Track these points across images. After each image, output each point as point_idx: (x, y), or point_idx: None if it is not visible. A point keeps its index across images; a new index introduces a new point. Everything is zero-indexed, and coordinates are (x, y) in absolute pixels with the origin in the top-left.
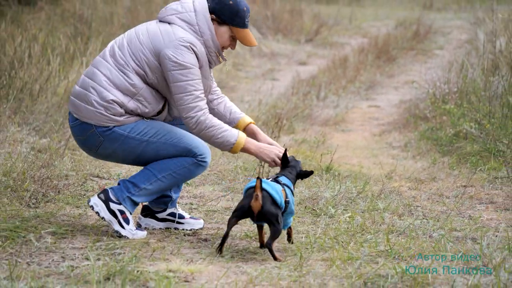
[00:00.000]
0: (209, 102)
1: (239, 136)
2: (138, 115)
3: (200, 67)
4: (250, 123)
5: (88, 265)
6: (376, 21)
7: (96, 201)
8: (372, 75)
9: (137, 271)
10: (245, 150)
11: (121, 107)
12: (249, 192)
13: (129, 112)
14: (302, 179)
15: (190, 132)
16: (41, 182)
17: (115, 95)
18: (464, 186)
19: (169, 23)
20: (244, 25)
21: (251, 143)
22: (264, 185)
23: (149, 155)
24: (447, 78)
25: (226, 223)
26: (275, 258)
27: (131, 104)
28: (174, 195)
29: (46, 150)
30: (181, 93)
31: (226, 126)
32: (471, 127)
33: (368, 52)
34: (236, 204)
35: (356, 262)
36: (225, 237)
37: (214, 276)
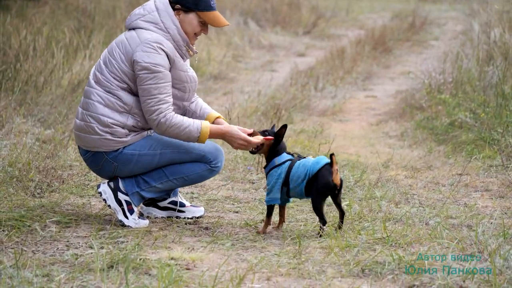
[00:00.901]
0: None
1: (202, 130)
2: (142, 129)
3: (172, 64)
4: (217, 117)
5: (92, 253)
6: (372, 13)
7: (105, 188)
8: (368, 66)
9: (140, 259)
10: (213, 137)
11: (123, 128)
12: (327, 169)
13: (133, 130)
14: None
15: (158, 133)
16: (46, 172)
17: (112, 118)
18: (460, 174)
19: (134, 29)
20: (210, 8)
21: (216, 132)
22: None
23: (165, 163)
24: (443, 69)
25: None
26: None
27: (130, 121)
28: None
29: (51, 141)
30: (145, 96)
31: (187, 122)
32: (466, 116)
33: (365, 43)
34: (235, 193)
35: (354, 250)
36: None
37: (215, 263)
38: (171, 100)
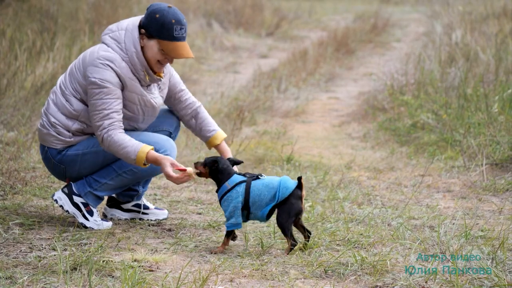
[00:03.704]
0: (181, 118)
1: (138, 155)
2: (85, 134)
3: (124, 85)
4: (217, 144)
5: (55, 255)
6: (335, 14)
7: (60, 195)
8: (331, 67)
9: (103, 261)
10: (151, 163)
11: (67, 130)
12: (297, 194)
13: (76, 134)
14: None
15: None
16: (9, 174)
17: (58, 119)
18: (422, 175)
19: (102, 43)
20: (172, 38)
21: (152, 160)
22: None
23: (112, 159)
24: (405, 70)
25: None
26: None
27: (75, 126)
28: (141, 190)
29: (14, 143)
30: (92, 111)
31: (128, 143)
32: (428, 117)
33: (328, 45)
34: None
35: (316, 251)
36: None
37: (178, 265)
38: (118, 117)
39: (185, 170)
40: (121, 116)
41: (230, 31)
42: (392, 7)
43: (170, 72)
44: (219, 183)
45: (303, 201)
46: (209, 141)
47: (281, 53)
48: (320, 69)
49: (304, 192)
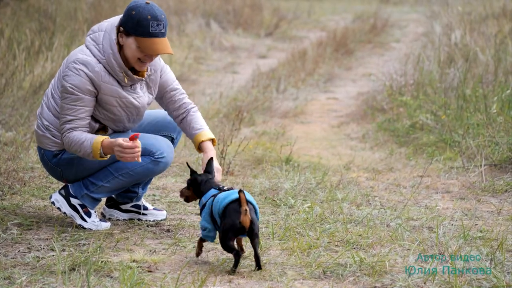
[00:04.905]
0: (174, 119)
1: (93, 146)
2: None
3: (98, 89)
4: (202, 141)
5: (53, 255)
6: (334, 14)
7: (57, 197)
8: (330, 67)
9: (102, 262)
10: (108, 152)
11: (59, 132)
12: (233, 208)
13: None
14: None
15: None
16: (7, 174)
17: (51, 122)
18: (421, 176)
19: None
20: (148, 34)
21: (108, 146)
22: (247, 197)
23: (109, 162)
24: (404, 71)
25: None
26: (259, 267)
27: None
28: (140, 192)
29: (12, 143)
30: (60, 112)
31: (83, 138)
32: (427, 118)
33: (327, 45)
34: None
35: (315, 251)
36: (238, 261)
37: (176, 266)
38: (82, 123)
39: (134, 139)
40: (86, 122)
41: (229, 31)
42: (391, 7)
43: (163, 69)
44: (200, 197)
45: (246, 217)
46: (194, 139)
47: (280, 53)
48: (319, 70)
49: (245, 207)
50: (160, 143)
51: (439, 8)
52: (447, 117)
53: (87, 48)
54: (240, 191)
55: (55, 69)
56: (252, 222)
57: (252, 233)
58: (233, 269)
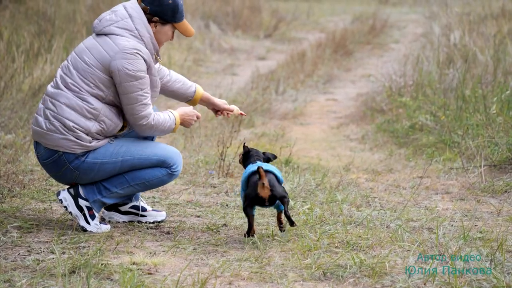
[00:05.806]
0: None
1: (176, 122)
2: (105, 137)
3: (148, 70)
4: (202, 94)
5: (53, 258)
6: (333, 16)
7: (65, 195)
8: (329, 69)
9: (102, 264)
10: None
11: (87, 134)
12: (253, 180)
13: (96, 138)
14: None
15: (142, 134)
16: (7, 177)
17: (77, 123)
18: (420, 177)
19: (106, 35)
20: (183, 17)
21: (181, 119)
22: (265, 168)
23: (127, 169)
24: (403, 71)
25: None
26: (292, 223)
27: (94, 127)
28: None
29: (12, 145)
30: (132, 104)
31: (166, 117)
32: (426, 119)
33: (326, 46)
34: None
35: (315, 253)
36: (250, 224)
37: (177, 268)
38: (152, 100)
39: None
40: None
41: (228, 33)
42: (390, 8)
43: None
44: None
45: (265, 190)
46: (196, 93)
47: (279, 55)
48: (318, 71)
49: (263, 181)
50: (175, 153)
51: (438, 8)
52: (447, 117)
53: (122, 36)
54: (259, 167)
55: (54, 72)
56: (272, 191)
57: (274, 200)
58: (246, 234)
